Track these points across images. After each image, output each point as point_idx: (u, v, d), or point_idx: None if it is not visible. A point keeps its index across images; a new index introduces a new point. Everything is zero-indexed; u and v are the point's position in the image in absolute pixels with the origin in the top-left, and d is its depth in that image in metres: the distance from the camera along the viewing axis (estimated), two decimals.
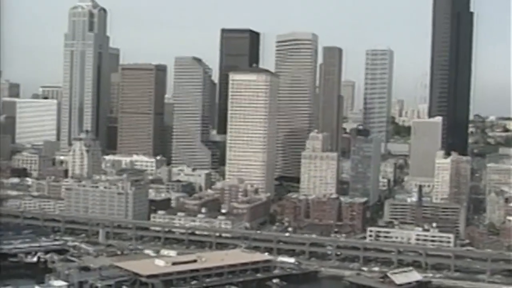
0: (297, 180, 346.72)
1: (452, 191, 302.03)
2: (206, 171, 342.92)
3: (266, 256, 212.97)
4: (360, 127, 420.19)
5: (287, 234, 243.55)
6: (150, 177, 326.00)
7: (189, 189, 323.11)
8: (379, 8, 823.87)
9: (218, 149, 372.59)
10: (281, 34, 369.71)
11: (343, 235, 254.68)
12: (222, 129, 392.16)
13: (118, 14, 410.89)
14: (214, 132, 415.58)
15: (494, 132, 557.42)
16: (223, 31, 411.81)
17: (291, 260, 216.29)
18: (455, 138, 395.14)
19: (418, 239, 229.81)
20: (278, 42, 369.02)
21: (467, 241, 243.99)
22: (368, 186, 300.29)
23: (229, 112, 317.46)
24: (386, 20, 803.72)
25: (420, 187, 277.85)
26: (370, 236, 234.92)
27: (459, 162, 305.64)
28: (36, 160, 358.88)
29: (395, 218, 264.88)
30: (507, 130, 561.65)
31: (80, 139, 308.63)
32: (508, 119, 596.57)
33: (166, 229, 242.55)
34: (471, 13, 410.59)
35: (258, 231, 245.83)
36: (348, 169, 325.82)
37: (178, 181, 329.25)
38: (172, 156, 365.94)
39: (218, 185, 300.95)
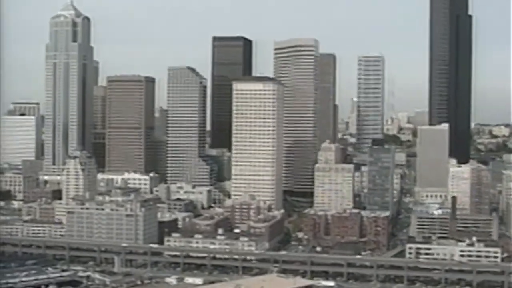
0: (303, 194, 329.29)
1: (473, 201, 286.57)
2: (207, 188, 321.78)
3: (307, 281, 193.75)
4: (376, 137, 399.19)
5: (321, 255, 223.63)
6: (148, 196, 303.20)
7: (190, 207, 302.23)
8: (371, 13, 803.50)
9: (216, 164, 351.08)
10: (280, 41, 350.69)
11: (368, 252, 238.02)
12: (216, 143, 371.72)
13: (97, 25, 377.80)
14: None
15: (482, 139, 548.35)
16: (215, 39, 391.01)
17: (331, 283, 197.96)
18: (457, 146, 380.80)
19: (462, 255, 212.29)
20: (277, 49, 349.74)
21: (506, 254, 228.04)
22: (387, 199, 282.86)
23: (233, 124, 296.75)
24: (378, 26, 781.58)
25: (454, 199, 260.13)
26: (410, 253, 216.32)
27: (480, 171, 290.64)
28: (21, 181, 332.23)
29: (423, 232, 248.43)
30: (494, 136, 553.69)
31: (75, 157, 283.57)
32: (490, 125, 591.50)
33: (184, 254, 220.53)
34: (470, 16, 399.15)
35: (286, 252, 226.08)
36: (359, 181, 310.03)
37: (179, 199, 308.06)
38: (168, 172, 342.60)
39: (228, 202, 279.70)
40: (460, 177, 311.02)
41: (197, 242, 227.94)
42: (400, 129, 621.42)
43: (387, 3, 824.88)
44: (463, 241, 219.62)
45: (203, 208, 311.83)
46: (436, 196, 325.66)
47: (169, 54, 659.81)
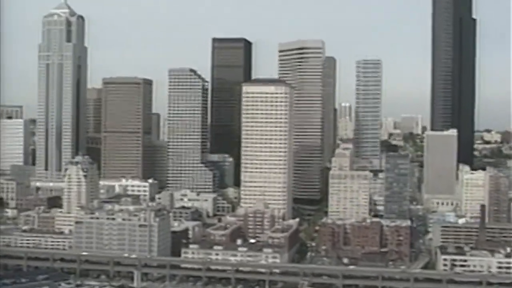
0: (311, 201, 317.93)
1: (491, 209, 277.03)
2: (212, 195, 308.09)
3: None
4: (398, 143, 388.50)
5: (351, 267, 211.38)
6: (150, 204, 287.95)
7: (196, 216, 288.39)
8: (370, 16, 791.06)
9: (217, 170, 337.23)
10: (284, 43, 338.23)
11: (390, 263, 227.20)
12: (216, 148, 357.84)
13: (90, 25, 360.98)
14: None
15: (476, 145, 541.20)
16: (215, 40, 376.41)
17: None
18: (461, 152, 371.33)
19: (500, 267, 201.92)
20: (282, 51, 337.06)
21: None
22: (405, 207, 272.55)
23: (243, 129, 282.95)
24: (378, 29, 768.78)
25: (483, 207, 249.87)
26: (445, 265, 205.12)
27: (498, 178, 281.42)
28: (13, 188, 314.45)
29: (447, 242, 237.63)
30: (487, 142, 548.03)
31: (77, 163, 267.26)
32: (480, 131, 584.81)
33: (206, 267, 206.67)
34: (474, 20, 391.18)
35: (316, 265, 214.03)
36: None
37: (183, 207, 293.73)
38: (168, 179, 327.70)
39: (240, 211, 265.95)
40: (472, 184, 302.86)
41: (217, 254, 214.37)
42: (390, 134, 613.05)
43: (387, 6, 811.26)
44: (499, 252, 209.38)
45: (208, 216, 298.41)
46: (447, 203, 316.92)
47: (165, 56, 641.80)
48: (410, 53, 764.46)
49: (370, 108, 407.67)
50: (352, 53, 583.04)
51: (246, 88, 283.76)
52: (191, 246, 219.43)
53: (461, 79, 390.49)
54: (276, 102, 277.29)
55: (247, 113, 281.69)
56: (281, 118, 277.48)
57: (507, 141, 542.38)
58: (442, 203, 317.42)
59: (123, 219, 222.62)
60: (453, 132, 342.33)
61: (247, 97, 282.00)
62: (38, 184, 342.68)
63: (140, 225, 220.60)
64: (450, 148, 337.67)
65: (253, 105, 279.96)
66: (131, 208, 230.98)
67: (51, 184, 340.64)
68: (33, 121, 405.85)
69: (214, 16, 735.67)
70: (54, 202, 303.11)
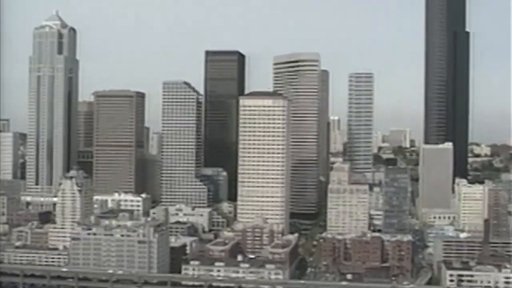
0: (307, 216, 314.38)
1: (491, 223, 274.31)
2: (207, 210, 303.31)
3: None
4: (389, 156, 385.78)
5: (357, 284, 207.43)
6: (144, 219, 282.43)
7: (192, 231, 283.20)
8: (363, 29, 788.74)
9: (212, 184, 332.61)
10: (279, 56, 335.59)
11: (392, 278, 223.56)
12: (210, 162, 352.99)
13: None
14: None
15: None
16: (208, 53, 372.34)
17: None
18: (456, 165, 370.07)
19: (507, 282, 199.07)
20: (277, 64, 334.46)
21: None
22: (404, 221, 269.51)
23: (240, 142, 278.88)
24: (370, 42, 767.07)
25: (487, 221, 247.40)
26: (451, 280, 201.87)
27: (497, 191, 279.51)
28: (4, 203, 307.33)
29: (449, 257, 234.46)
30: (477, 155, 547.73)
31: (71, 178, 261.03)
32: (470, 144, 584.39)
33: (208, 284, 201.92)
34: (467, 33, 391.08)
35: (322, 282, 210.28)
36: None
37: (178, 222, 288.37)
38: (162, 193, 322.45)
39: (239, 226, 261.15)
40: (470, 197, 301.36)
41: (218, 271, 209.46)
42: (380, 148, 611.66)
43: (380, 18, 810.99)
44: (505, 267, 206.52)
45: (204, 231, 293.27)
46: (444, 217, 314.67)
47: (156, 68, 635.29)
48: (399, 66, 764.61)
49: (363, 121, 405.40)
50: (342, 66, 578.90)
51: (243, 101, 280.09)
52: (191, 262, 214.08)
53: (455, 92, 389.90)
54: (274, 115, 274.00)
55: (244, 127, 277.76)
56: (279, 132, 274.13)
57: (497, 154, 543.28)
58: (439, 217, 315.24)
59: (122, 235, 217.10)
60: (448, 145, 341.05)
61: (244, 110, 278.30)
62: (28, 198, 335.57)
63: (139, 241, 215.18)
64: (445, 162, 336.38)
65: (250, 119, 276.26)
66: (129, 223, 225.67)
67: (41, 199, 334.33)
68: (22, 135, 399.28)
69: (206, 29, 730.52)
70: (46, 217, 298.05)
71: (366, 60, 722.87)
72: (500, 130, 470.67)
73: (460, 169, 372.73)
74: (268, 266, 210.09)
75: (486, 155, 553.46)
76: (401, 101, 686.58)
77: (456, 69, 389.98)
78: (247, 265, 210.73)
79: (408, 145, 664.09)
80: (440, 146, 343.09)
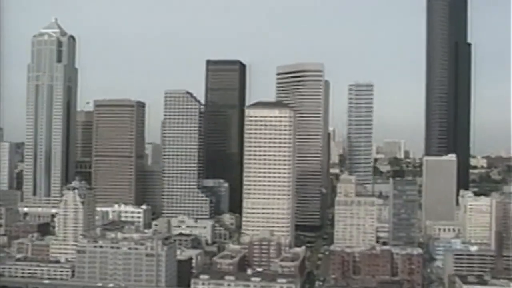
0: (311, 228, 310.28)
1: (498, 236, 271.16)
2: (210, 222, 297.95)
3: None
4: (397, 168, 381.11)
5: None
6: (147, 231, 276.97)
7: (196, 243, 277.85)
8: (363, 40, 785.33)
9: (213, 195, 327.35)
10: (282, 66, 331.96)
11: None
12: (210, 173, 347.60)
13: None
14: None
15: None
16: (209, 62, 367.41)
17: None
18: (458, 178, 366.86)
19: None
20: (280, 74, 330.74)
21: None
22: (413, 234, 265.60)
23: (245, 153, 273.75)
24: (369, 52, 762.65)
25: (499, 234, 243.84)
26: None
27: (505, 204, 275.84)
28: (2, 214, 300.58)
29: (461, 271, 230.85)
30: (473, 167, 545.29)
31: (74, 189, 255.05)
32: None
33: None
34: (469, 44, 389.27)
35: None
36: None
37: (182, 234, 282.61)
38: (163, 205, 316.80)
39: (245, 238, 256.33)
40: (476, 210, 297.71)
41: (229, 285, 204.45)
42: (376, 159, 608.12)
43: (381, 29, 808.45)
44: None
45: (207, 244, 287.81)
46: (448, 230, 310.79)
47: (157, 78, 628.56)
48: (397, 78, 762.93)
49: (363, 132, 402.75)
50: (341, 77, 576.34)
51: (249, 111, 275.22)
52: (201, 276, 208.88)
53: (456, 103, 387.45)
54: (280, 126, 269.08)
55: (249, 137, 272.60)
56: (285, 143, 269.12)
57: (494, 166, 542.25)
58: (444, 230, 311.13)
59: (129, 248, 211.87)
60: (452, 157, 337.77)
61: (250, 120, 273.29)
62: (25, 209, 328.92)
63: (147, 254, 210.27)
64: (449, 174, 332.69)
65: (256, 129, 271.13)
66: (135, 236, 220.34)
67: (39, 209, 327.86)
68: (18, 144, 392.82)
69: (207, 38, 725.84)
70: (45, 228, 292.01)
71: (365, 70, 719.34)
72: (500, 142, 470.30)
73: (463, 181, 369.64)
74: (280, 280, 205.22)
75: (482, 167, 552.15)
76: (396, 112, 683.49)
77: (457, 80, 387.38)
78: (258, 279, 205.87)
79: (402, 156, 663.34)
80: (444, 157, 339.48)
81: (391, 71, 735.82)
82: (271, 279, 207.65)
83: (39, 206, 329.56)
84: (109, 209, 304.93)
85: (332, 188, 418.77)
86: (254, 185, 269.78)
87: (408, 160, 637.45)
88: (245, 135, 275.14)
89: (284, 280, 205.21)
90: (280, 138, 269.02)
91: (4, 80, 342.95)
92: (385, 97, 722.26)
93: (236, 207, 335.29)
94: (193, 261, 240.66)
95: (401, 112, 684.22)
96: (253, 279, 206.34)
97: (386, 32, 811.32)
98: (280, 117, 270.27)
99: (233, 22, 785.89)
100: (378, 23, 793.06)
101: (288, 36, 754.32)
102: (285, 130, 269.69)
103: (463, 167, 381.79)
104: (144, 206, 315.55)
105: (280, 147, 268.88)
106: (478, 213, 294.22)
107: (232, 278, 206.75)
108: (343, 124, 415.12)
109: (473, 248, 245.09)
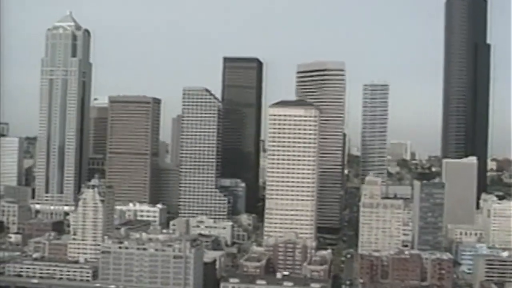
0: (332, 230, 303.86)
1: None
2: (229, 223, 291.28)
3: None
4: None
5: None
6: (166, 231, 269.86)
7: (215, 244, 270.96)
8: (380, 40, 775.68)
9: (230, 195, 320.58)
10: (303, 64, 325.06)
11: None
12: (226, 172, 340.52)
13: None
14: None
15: None
16: (226, 60, 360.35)
17: None
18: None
19: None
20: (300, 72, 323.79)
21: None
22: (440, 238, 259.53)
23: (268, 153, 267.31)
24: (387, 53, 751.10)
25: None
26: None
27: None
28: (15, 211, 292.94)
29: (492, 277, 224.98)
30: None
31: (93, 187, 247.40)
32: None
33: None
34: (488, 45, 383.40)
35: None
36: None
37: (201, 234, 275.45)
38: (180, 204, 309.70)
39: (270, 241, 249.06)
40: (500, 214, 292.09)
41: None
42: None
43: (399, 29, 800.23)
44: None
45: (227, 245, 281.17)
46: (470, 234, 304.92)
47: (174, 75, 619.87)
48: (412, 79, 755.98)
49: (377, 132, 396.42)
50: (356, 77, 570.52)
51: (273, 110, 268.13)
52: (230, 279, 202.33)
53: (475, 105, 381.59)
54: (305, 125, 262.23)
55: (273, 137, 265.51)
56: (309, 143, 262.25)
57: (505, 169, 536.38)
58: (465, 233, 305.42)
59: (156, 250, 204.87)
60: (472, 159, 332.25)
61: (274, 119, 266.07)
62: (38, 206, 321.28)
63: (175, 256, 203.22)
64: (469, 176, 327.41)
65: (280, 128, 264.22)
66: (161, 237, 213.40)
67: (51, 207, 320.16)
68: (28, 139, 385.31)
69: (223, 35, 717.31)
70: (59, 227, 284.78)
71: (382, 71, 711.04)
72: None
73: (481, 184, 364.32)
74: (313, 285, 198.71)
75: (492, 170, 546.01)
76: (409, 113, 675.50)
77: (476, 81, 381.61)
78: (290, 283, 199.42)
79: (409, 158, 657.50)
80: (464, 160, 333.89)
81: (407, 72, 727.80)
82: (304, 283, 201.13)
83: (52, 204, 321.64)
84: (123, 207, 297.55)
85: (345, 190, 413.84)
86: (277, 186, 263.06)
87: (414, 161, 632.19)
88: (268, 135, 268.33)
89: (317, 285, 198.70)
90: (305, 138, 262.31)
91: (5, 76, 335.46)
92: (397, 98, 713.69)
93: (252, 207, 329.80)
94: (217, 263, 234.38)
95: (410, 113, 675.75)
96: (285, 283, 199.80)
97: (404, 33, 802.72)
98: (305, 116, 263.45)
99: (246, 21, 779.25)
100: (396, 23, 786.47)
101: (306, 34, 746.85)
102: (310, 130, 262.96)
103: (481, 170, 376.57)
104: (159, 205, 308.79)
105: (304, 147, 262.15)
106: (502, 217, 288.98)
107: (263, 282, 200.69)
108: (353, 124, 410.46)
109: (505, 254, 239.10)
